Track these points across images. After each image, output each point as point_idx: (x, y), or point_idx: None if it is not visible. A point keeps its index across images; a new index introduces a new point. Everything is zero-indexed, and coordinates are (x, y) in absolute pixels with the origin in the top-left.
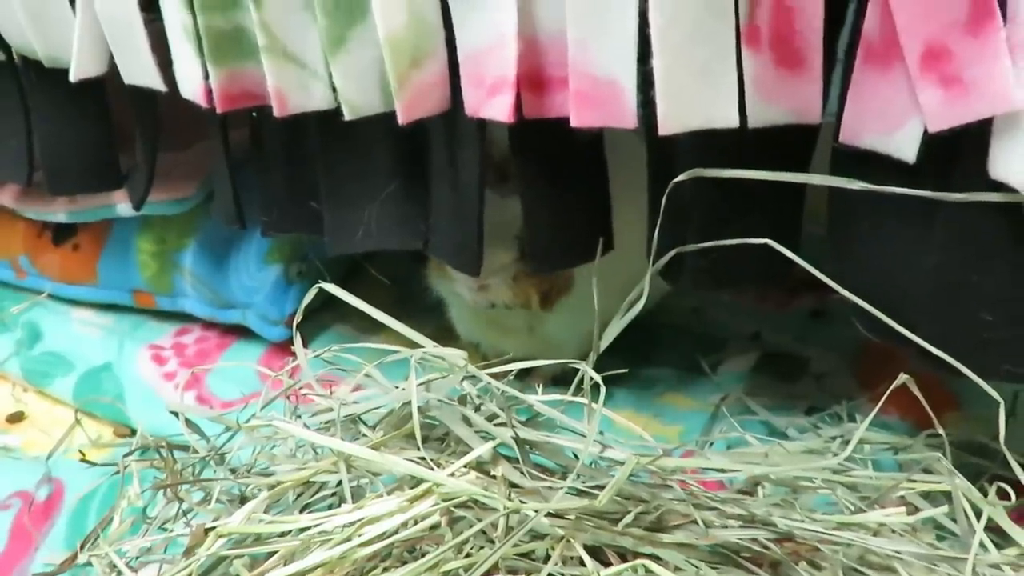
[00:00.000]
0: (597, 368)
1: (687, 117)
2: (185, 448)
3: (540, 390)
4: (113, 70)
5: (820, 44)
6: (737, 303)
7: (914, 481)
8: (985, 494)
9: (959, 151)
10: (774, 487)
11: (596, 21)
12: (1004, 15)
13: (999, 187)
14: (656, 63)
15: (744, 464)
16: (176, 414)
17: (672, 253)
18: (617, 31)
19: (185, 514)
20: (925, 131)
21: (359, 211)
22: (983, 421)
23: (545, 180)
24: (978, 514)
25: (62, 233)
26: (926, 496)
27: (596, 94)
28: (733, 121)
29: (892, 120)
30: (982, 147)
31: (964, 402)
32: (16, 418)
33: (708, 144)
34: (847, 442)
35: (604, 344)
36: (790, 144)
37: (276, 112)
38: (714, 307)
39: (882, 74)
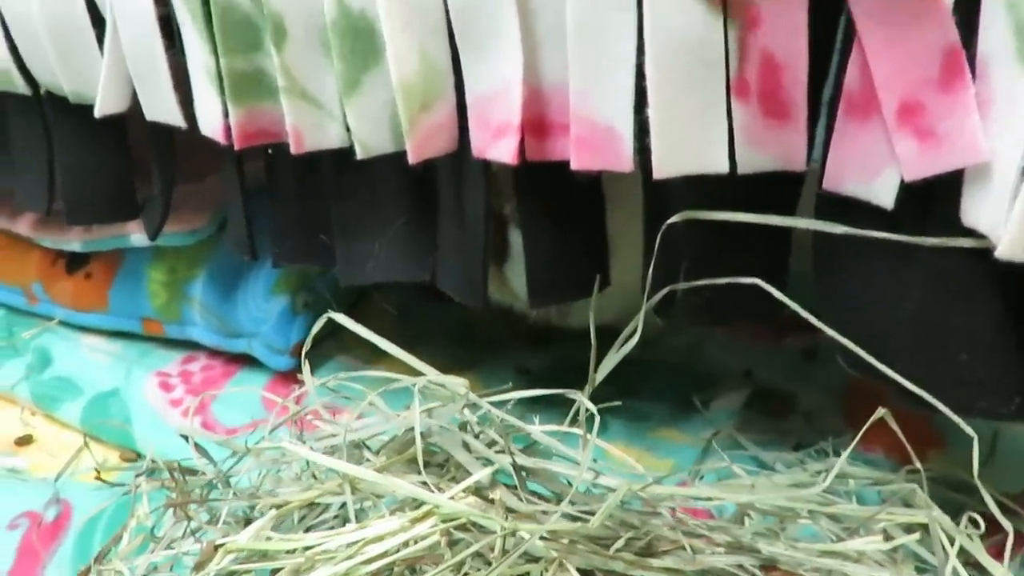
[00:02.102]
0: (592, 399)
1: (680, 163)
2: (193, 472)
3: (537, 420)
4: (135, 106)
5: (805, 98)
6: (730, 341)
7: (893, 513)
8: (974, 525)
9: (934, 199)
10: (761, 517)
11: (596, 72)
12: (973, 74)
13: (972, 233)
14: (651, 112)
15: (730, 493)
16: (185, 437)
17: (665, 290)
18: (615, 82)
19: (193, 533)
20: (902, 180)
21: (369, 244)
22: (966, 458)
23: (546, 219)
24: (953, 543)
25: (76, 261)
26: (908, 530)
27: (595, 140)
28: (723, 167)
29: (871, 169)
30: (955, 196)
31: (949, 440)
32: (24, 441)
33: (700, 188)
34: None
35: (600, 376)
36: (778, 188)
37: (293, 150)
38: (708, 344)
39: (862, 126)
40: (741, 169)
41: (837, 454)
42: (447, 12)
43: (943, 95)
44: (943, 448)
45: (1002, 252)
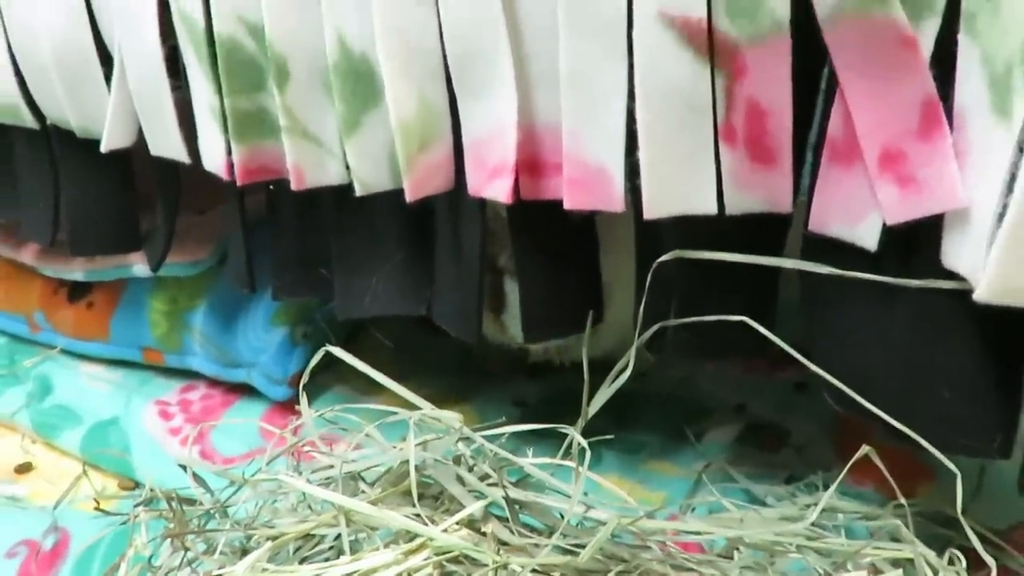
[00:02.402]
0: (587, 430)
1: (669, 203)
2: (191, 502)
3: (531, 453)
4: (140, 141)
5: (790, 143)
6: (723, 375)
7: (879, 548)
8: (951, 562)
9: (916, 242)
10: (751, 552)
11: (588, 115)
12: (951, 124)
13: (952, 275)
14: (642, 155)
15: (718, 527)
16: (184, 467)
17: (656, 327)
18: (607, 125)
19: (190, 563)
20: (884, 223)
21: (367, 278)
22: (954, 493)
23: (540, 256)
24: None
25: (78, 291)
26: (895, 564)
27: (587, 180)
28: (712, 208)
29: (855, 213)
30: (936, 239)
31: (939, 474)
32: (24, 469)
33: (690, 228)
34: (822, 511)
35: (592, 411)
36: (765, 228)
37: (293, 186)
38: (701, 378)
39: (845, 171)
40: (729, 210)
41: (827, 487)
42: (445, 57)
43: (922, 144)
44: (932, 482)
45: (980, 295)
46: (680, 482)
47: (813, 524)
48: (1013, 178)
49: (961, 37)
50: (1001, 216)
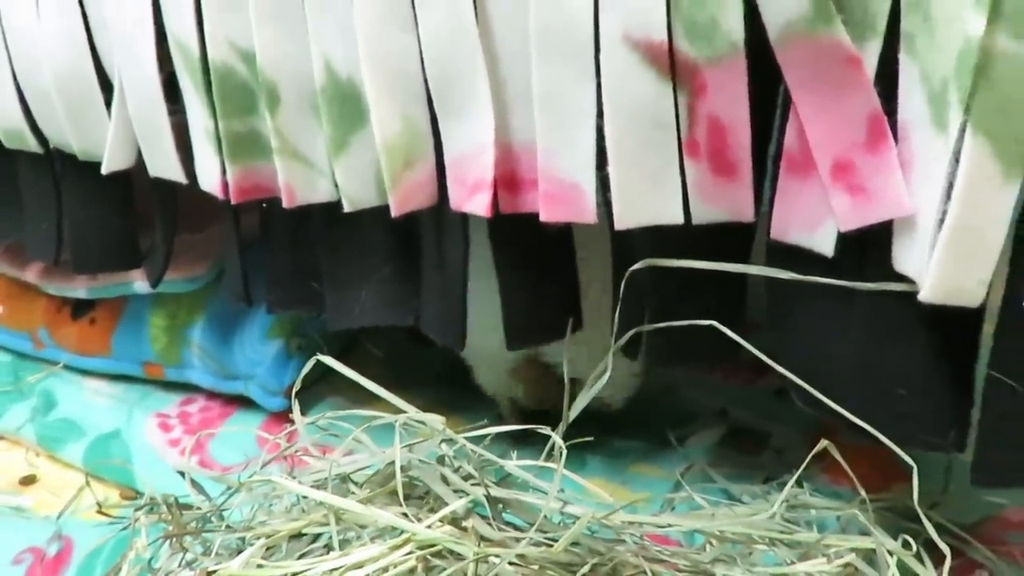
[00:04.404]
0: (570, 435)
1: (638, 215)
2: (189, 507)
3: (515, 455)
4: (140, 163)
5: (749, 156)
6: (706, 381)
7: (844, 539)
8: (919, 555)
9: (870, 247)
10: (728, 545)
11: (560, 134)
12: (896, 137)
13: (903, 278)
14: (611, 169)
15: (689, 521)
16: (182, 474)
17: (631, 332)
18: (578, 142)
19: (188, 564)
20: (839, 230)
21: (356, 291)
22: (923, 492)
23: (520, 266)
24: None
25: (80, 308)
26: (868, 560)
27: (561, 194)
28: (679, 219)
29: (812, 220)
30: (888, 244)
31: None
32: (29, 480)
33: (660, 237)
34: (793, 507)
35: (573, 414)
36: (731, 237)
37: (285, 204)
38: (685, 385)
39: (802, 182)
40: (695, 220)
41: (801, 486)
42: (426, 80)
43: (870, 155)
44: (906, 480)
45: (924, 296)
46: (663, 483)
47: (787, 520)
48: (951, 186)
49: (902, 56)
50: (941, 222)
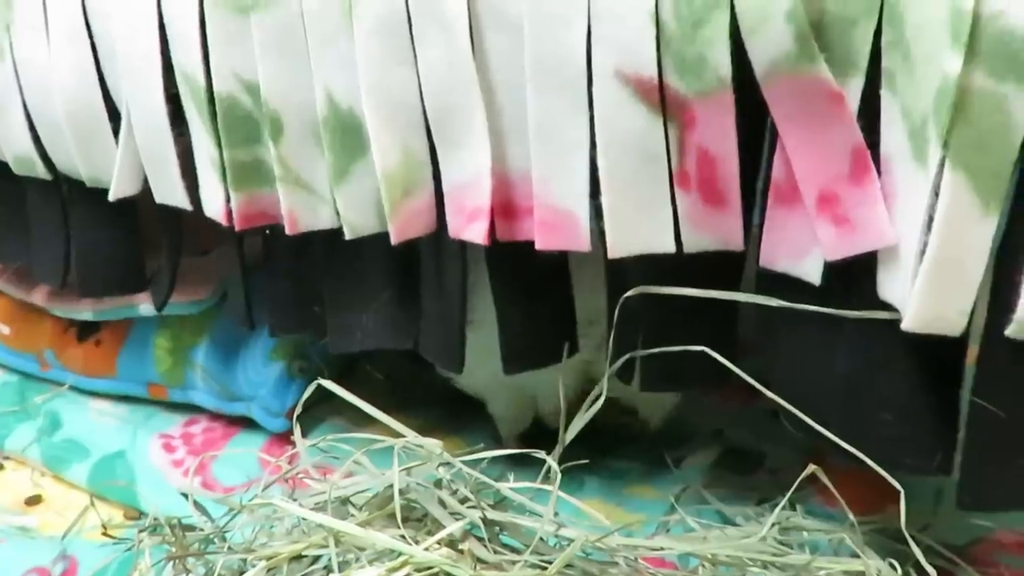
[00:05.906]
0: (567, 458)
1: (631, 243)
2: (192, 528)
3: (512, 478)
4: (146, 190)
5: (738, 187)
6: (702, 402)
7: (835, 561)
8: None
9: (856, 276)
10: (722, 568)
11: (555, 163)
12: (879, 169)
13: (887, 306)
14: (604, 199)
15: (681, 544)
16: (185, 495)
17: (625, 357)
18: (572, 172)
19: None
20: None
21: (357, 315)
22: (915, 514)
23: (517, 292)
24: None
25: (86, 330)
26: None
27: (556, 223)
28: (670, 247)
29: (799, 249)
30: (873, 273)
31: (908, 495)
32: (34, 501)
33: (653, 265)
34: (786, 528)
35: (569, 437)
36: (722, 264)
37: (287, 230)
38: (681, 407)
39: (789, 212)
40: (687, 249)
41: (793, 507)
42: (425, 111)
43: (854, 187)
44: (899, 503)
45: (907, 325)
46: (659, 504)
47: (779, 542)
48: (931, 219)
49: (883, 93)
50: (922, 253)
